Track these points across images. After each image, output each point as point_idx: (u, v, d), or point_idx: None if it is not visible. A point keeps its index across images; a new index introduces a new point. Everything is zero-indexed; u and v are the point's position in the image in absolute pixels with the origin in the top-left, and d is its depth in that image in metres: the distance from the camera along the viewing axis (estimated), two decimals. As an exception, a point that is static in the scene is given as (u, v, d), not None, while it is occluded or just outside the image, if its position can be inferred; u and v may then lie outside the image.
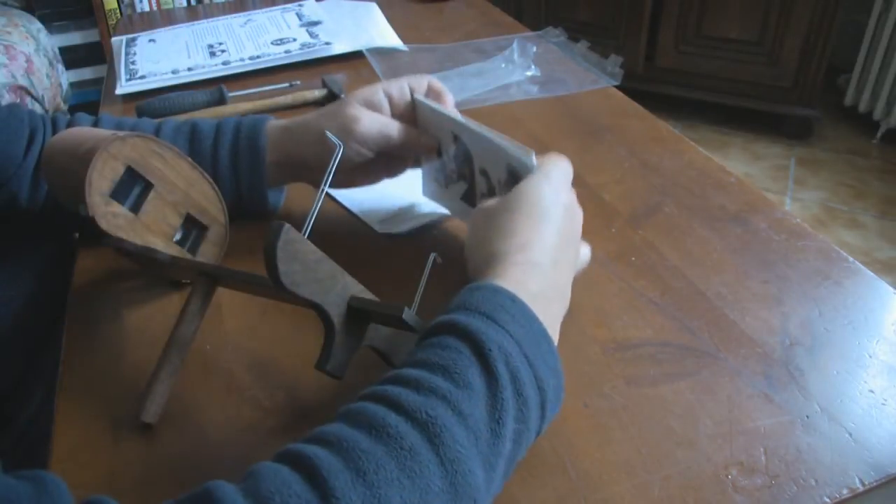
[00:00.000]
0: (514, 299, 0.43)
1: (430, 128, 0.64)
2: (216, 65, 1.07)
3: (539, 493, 0.44)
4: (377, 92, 0.63)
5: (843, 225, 1.98)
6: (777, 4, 2.11)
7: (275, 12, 1.27)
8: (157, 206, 0.58)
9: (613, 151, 0.81)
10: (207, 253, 0.62)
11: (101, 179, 0.55)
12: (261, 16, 1.26)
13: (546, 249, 0.47)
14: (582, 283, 0.61)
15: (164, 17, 1.48)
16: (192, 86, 1.02)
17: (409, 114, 0.64)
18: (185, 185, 0.60)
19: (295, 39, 1.13)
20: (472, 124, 0.58)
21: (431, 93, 0.64)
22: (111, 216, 0.56)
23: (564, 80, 0.99)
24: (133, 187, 0.58)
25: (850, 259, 0.63)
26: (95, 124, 0.68)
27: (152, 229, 0.58)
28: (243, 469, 0.36)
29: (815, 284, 0.60)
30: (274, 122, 0.67)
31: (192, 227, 0.62)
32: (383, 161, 0.66)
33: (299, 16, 1.24)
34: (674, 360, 0.53)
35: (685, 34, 2.31)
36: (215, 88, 0.96)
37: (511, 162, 0.55)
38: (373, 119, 0.61)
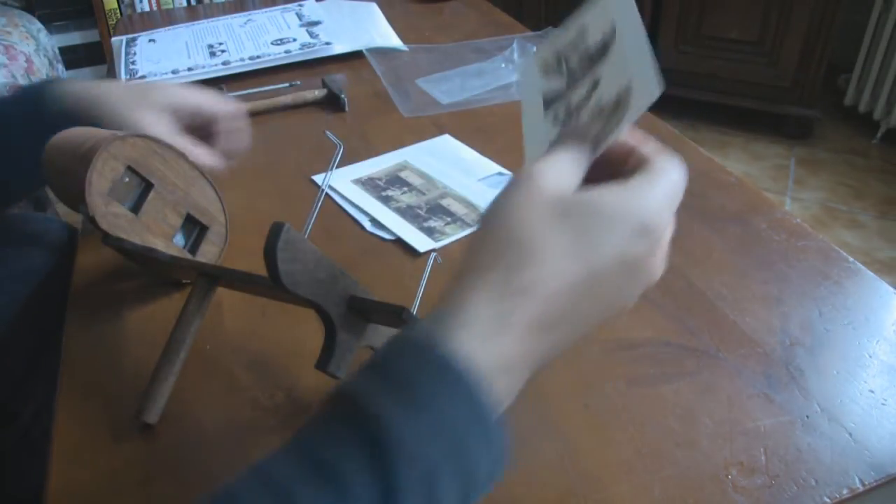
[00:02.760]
0: (449, 367, 0.30)
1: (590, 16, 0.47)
2: (216, 65, 1.07)
3: (539, 493, 0.44)
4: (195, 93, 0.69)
5: (843, 225, 1.98)
6: (777, 4, 2.11)
7: (275, 12, 1.27)
8: (157, 206, 0.59)
9: (613, 151, 0.80)
10: (207, 253, 0.62)
11: (101, 179, 0.55)
12: (261, 16, 1.26)
13: (561, 308, 0.33)
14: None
15: (164, 17, 1.48)
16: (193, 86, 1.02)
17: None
18: (185, 185, 0.60)
19: (295, 39, 1.13)
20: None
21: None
22: (111, 216, 0.56)
23: (564, 80, 0.99)
24: (133, 187, 0.58)
25: (850, 259, 0.63)
26: None
27: (152, 229, 0.58)
28: (243, 469, 0.36)
29: (815, 284, 0.60)
30: (64, 89, 0.65)
31: (193, 227, 0.62)
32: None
33: (299, 16, 1.24)
34: (674, 360, 0.53)
35: (685, 34, 2.31)
36: (215, 89, 0.96)
37: (633, 82, 0.41)
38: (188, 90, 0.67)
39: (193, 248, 0.62)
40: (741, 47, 2.24)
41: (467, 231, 0.68)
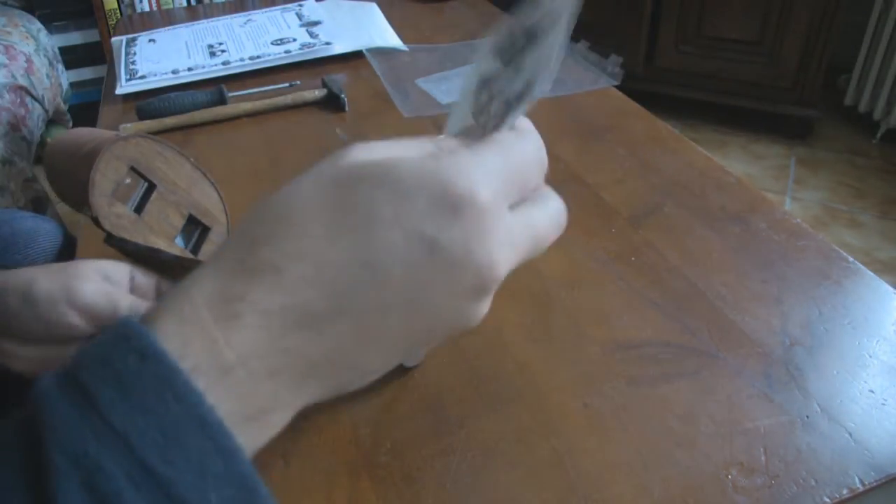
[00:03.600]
0: (150, 358, 0.22)
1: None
2: (216, 65, 1.07)
3: (539, 493, 0.44)
4: (119, 267, 0.50)
5: (844, 225, 1.98)
6: (777, 4, 2.11)
7: (275, 12, 1.27)
8: (159, 207, 0.59)
9: (613, 151, 0.81)
10: (209, 253, 0.62)
11: (104, 180, 0.55)
12: (261, 16, 1.26)
13: (322, 296, 0.24)
14: (582, 283, 0.61)
15: (164, 17, 1.48)
16: (192, 86, 1.02)
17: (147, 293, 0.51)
18: (187, 186, 0.61)
19: (295, 39, 1.13)
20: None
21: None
22: (114, 217, 0.56)
23: (564, 80, 0.99)
24: (136, 188, 0.58)
25: (850, 259, 0.63)
26: None
27: (155, 230, 0.58)
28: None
29: (814, 284, 0.60)
30: None
31: (195, 228, 0.62)
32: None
33: (299, 16, 1.24)
34: (674, 360, 0.53)
35: (685, 34, 2.31)
36: (215, 88, 0.96)
37: (540, 76, 0.33)
38: (101, 285, 0.47)
39: (195, 249, 0.62)
40: (741, 47, 2.24)
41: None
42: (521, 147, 0.28)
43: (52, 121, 2.02)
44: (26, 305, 0.45)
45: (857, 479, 0.44)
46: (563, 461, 0.46)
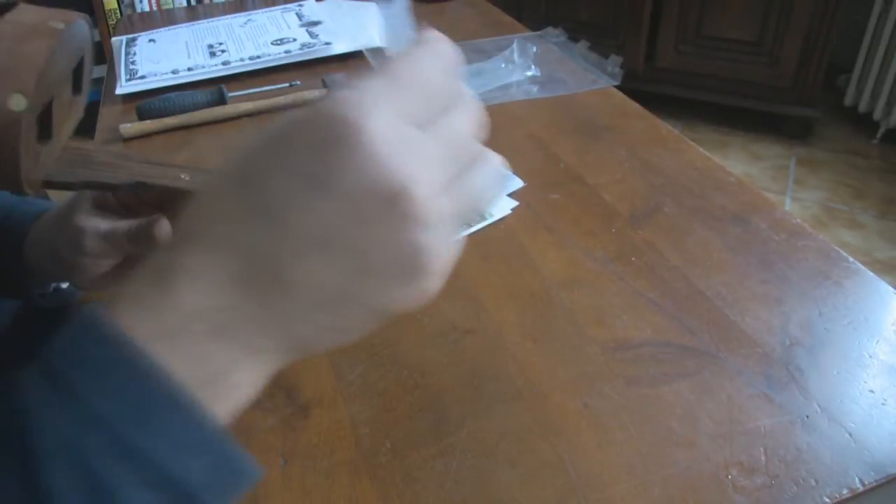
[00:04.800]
0: (112, 342, 0.24)
1: None
2: (216, 65, 1.07)
3: (539, 493, 0.44)
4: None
5: (843, 225, 1.98)
6: (777, 4, 2.11)
7: (275, 12, 1.27)
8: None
9: (613, 151, 0.81)
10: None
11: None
12: (261, 16, 1.26)
13: (234, 249, 0.24)
14: (582, 283, 0.61)
15: (164, 17, 1.48)
16: (192, 86, 1.02)
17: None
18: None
19: (295, 39, 1.13)
20: None
21: None
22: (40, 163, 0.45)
23: (564, 80, 0.99)
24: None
25: (850, 259, 0.63)
26: None
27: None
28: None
29: (815, 284, 0.60)
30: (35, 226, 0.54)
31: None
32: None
33: (299, 16, 1.24)
34: (674, 360, 0.53)
35: (685, 34, 2.31)
36: (215, 88, 0.96)
37: None
38: (98, 224, 0.49)
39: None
40: (741, 47, 2.24)
41: (467, 231, 0.68)
42: (412, 62, 0.26)
43: (52, 121, 2.02)
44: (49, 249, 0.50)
45: (857, 479, 0.44)
46: (563, 461, 0.46)
